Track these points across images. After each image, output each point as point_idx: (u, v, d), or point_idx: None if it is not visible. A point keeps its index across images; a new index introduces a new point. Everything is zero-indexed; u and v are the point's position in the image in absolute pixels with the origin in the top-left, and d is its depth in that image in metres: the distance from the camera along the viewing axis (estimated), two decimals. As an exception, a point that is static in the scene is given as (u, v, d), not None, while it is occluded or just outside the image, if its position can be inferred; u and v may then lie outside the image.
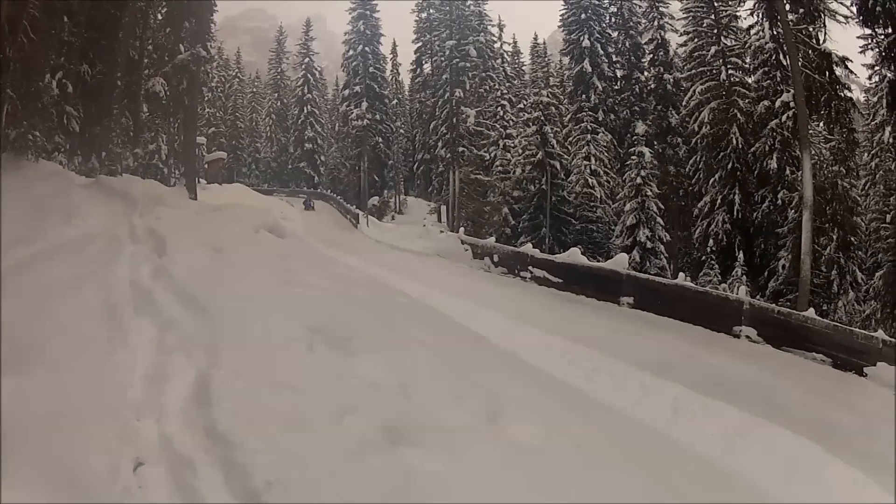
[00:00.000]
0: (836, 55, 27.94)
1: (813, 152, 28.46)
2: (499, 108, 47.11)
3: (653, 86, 43.99)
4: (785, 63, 32.02)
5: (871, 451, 10.87)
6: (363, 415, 6.15)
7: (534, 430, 6.83)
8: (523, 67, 62.99)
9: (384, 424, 6.01)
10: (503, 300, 21.49)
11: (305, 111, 63.35)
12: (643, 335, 18.18)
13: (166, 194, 20.03)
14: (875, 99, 36.34)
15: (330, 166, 64.02)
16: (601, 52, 47.02)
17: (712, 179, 37.22)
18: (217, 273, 10.61)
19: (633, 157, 36.42)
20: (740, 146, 36.45)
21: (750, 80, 38.03)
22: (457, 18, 56.74)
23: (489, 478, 5.47)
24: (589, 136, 40.65)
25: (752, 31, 36.19)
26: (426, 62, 61.19)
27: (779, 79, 34.61)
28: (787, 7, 27.54)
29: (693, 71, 40.25)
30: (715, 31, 39.50)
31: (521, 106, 44.99)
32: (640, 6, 47.20)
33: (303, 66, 65.65)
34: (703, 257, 36.04)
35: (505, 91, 49.79)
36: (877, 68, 30.29)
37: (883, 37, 26.14)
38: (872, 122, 37.36)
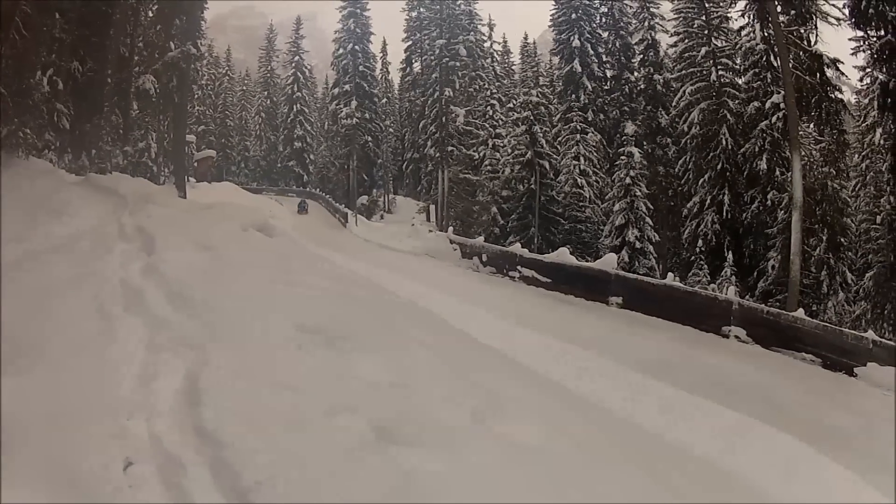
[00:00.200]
0: (828, 57, 28.00)
1: (803, 153, 28.46)
2: (488, 108, 47.11)
3: (643, 86, 44.08)
4: (776, 64, 32.02)
5: (871, 451, 10.84)
6: (360, 414, 6.11)
7: (534, 429, 6.82)
8: (513, 67, 63.14)
9: (383, 424, 5.96)
10: (491, 299, 21.34)
11: (295, 109, 63.15)
12: (634, 335, 18.08)
13: (156, 192, 20.02)
14: (866, 101, 36.42)
15: (319, 165, 63.84)
16: (591, 52, 47.09)
17: (702, 180, 37.23)
18: (206, 271, 10.59)
19: (623, 158, 36.41)
20: (730, 147, 36.47)
21: (740, 81, 38.04)
22: (447, 17, 56.75)
23: (489, 478, 5.43)
24: (578, 136, 40.66)
25: (743, 33, 36.10)
26: (416, 61, 61.21)
27: (769, 80, 34.55)
28: (779, 9, 27.50)
29: (683, 71, 40.26)
30: (706, 31, 39.51)
31: (511, 105, 45.01)
32: (630, 7, 47.39)
33: (293, 65, 65.47)
34: (693, 257, 36.08)
35: (494, 90, 49.85)
36: (868, 70, 30.50)
37: (875, 39, 26.15)
38: (863, 124, 37.46)
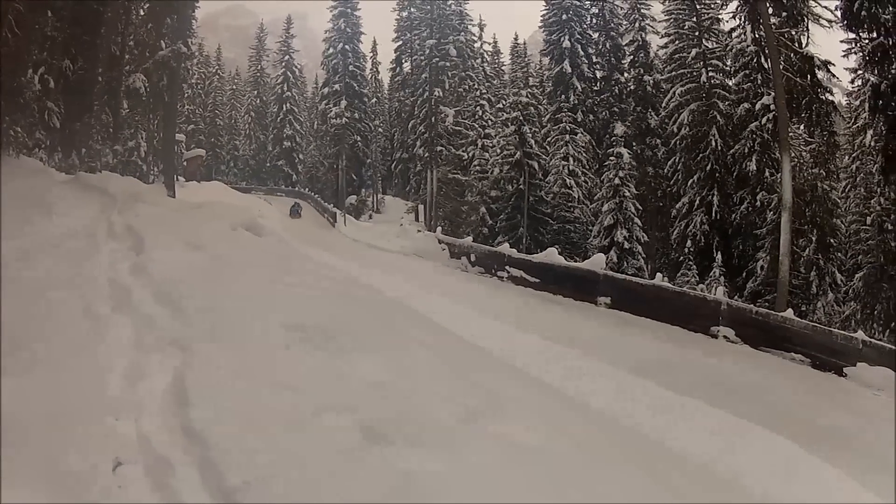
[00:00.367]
0: (819, 59, 27.99)
1: (793, 155, 28.56)
2: (478, 108, 47.13)
3: (632, 87, 44.21)
4: (766, 66, 32.00)
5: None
6: (355, 413, 6.09)
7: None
8: (503, 67, 63.22)
9: (377, 424, 5.93)
10: (480, 299, 21.25)
11: (284, 109, 63.02)
12: (623, 335, 17.99)
13: (145, 191, 20.02)
14: (857, 102, 36.62)
15: (308, 165, 63.80)
16: (581, 53, 47.11)
17: (691, 181, 37.37)
18: (195, 271, 10.59)
19: (612, 158, 36.49)
20: (719, 148, 36.62)
21: (730, 83, 38.16)
22: (437, 17, 56.70)
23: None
24: (567, 136, 40.68)
25: (734, 34, 36.28)
26: (406, 61, 61.14)
27: (759, 81, 34.67)
28: (770, 10, 27.47)
29: (673, 73, 40.44)
30: (696, 33, 39.67)
31: (500, 106, 45.04)
32: (621, 8, 47.39)
33: (283, 64, 65.33)
34: (681, 258, 36.24)
35: (484, 91, 49.88)
36: (860, 72, 30.55)
37: (867, 41, 26.10)
38: (854, 126, 37.73)
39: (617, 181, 35.58)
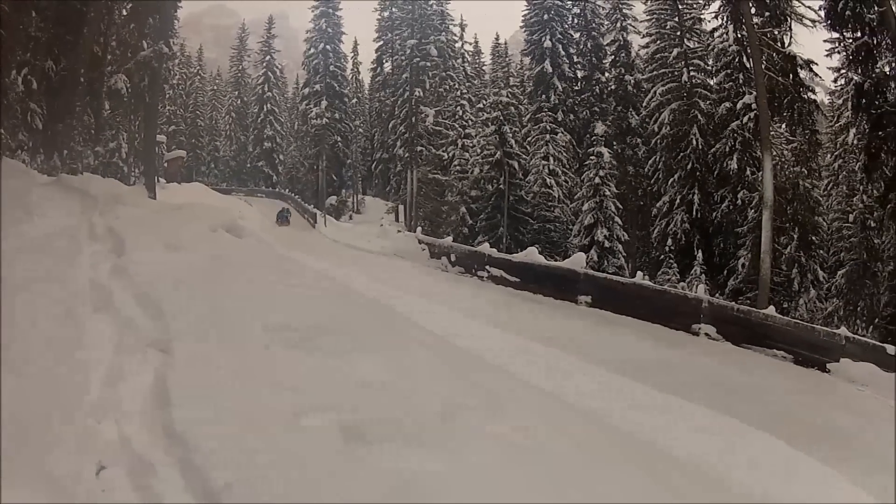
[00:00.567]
0: (802, 58, 27.90)
1: (774, 153, 28.63)
2: (458, 108, 47.17)
3: (613, 87, 44.25)
4: (748, 65, 32.06)
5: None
6: (333, 414, 6.16)
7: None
8: (484, 67, 63.29)
9: (362, 424, 6.01)
10: (459, 299, 20.99)
11: (265, 109, 63.03)
12: (603, 333, 17.72)
13: (125, 193, 20.21)
14: (840, 101, 37.06)
15: (288, 165, 63.85)
16: (562, 52, 47.14)
17: (671, 179, 37.41)
18: (174, 272, 10.74)
19: (592, 157, 36.45)
20: (700, 147, 36.65)
21: (712, 82, 38.24)
22: (419, 17, 56.88)
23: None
24: (548, 136, 40.67)
25: (716, 34, 36.29)
26: (387, 61, 61.36)
27: (741, 81, 34.76)
28: (753, 10, 27.38)
29: (654, 72, 40.53)
30: (678, 33, 39.70)
31: (481, 106, 45.17)
32: (603, 8, 47.38)
33: (264, 64, 65.32)
34: (662, 256, 36.30)
35: (465, 91, 49.97)
36: (843, 71, 31.00)
37: (851, 40, 26.05)
38: (837, 124, 38.11)
39: (597, 180, 35.54)
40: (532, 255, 23.95)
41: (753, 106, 30.91)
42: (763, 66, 26.89)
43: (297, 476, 5.01)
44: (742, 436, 10.33)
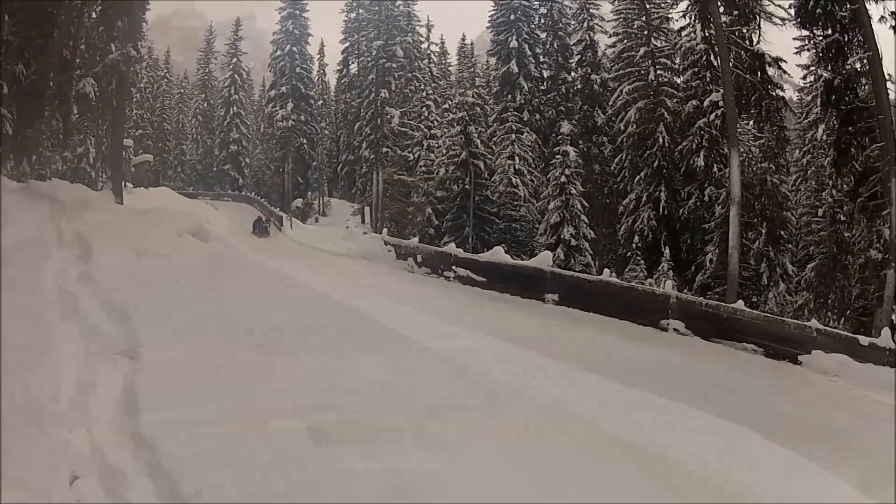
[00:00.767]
0: (770, 56, 28.03)
1: (742, 150, 28.81)
2: (424, 109, 47.07)
3: (579, 86, 44.22)
4: (716, 63, 32.34)
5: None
6: (305, 416, 6.25)
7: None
8: (450, 68, 63.26)
9: (328, 425, 6.10)
10: (426, 300, 20.83)
11: (231, 112, 62.52)
12: (571, 331, 17.52)
13: (93, 199, 21.20)
14: (809, 98, 37.47)
15: (254, 168, 63.55)
16: (529, 52, 47.04)
17: (638, 177, 37.53)
18: (141, 277, 11.17)
19: (558, 157, 36.35)
20: (667, 144, 36.82)
21: (679, 81, 38.49)
22: (385, 18, 56.91)
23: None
24: (513, 135, 40.57)
25: (684, 33, 36.39)
26: (353, 62, 61.23)
27: (709, 79, 35.00)
28: (722, 9, 27.42)
29: (621, 71, 40.68)
30: (645, 32, 39.82)
31: (447, 106, 45.09)
32: (570, 8, 47.35)
33: (230, 67, 64.85)
34: (629, 253, 36.42)
35: (430, 91, 49.95)
36: (812, 68, 31.27)
37: (822, 38, 26.13)
38: (805, 120, 38.40)
39: (563, 179, 35.45)
40: (498, 254, 23.96)
41: (720, 103, 30.94)
42: (731, 64, 27.03)
43: (259, 476, 5.10)
44: (716, 430, 10.17)
